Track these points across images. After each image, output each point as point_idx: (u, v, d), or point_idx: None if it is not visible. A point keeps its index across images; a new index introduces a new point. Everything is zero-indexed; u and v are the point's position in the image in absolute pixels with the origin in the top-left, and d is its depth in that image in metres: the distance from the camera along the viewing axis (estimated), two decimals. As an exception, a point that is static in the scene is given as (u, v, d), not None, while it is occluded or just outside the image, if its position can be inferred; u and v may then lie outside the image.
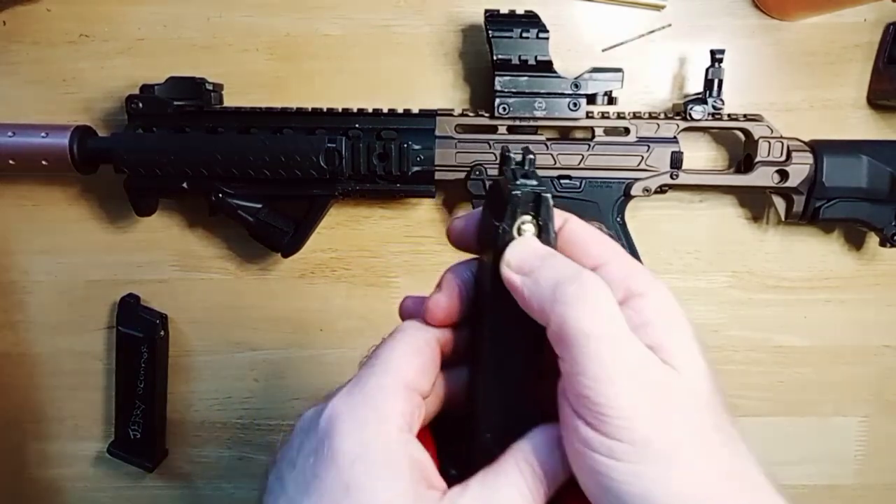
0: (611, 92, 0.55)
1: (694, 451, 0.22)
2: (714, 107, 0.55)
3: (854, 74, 0.60)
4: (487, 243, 0.27)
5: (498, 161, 0.28)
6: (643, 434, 0.22)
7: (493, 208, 0.27)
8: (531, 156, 0.27)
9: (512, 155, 0.27)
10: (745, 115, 0.56)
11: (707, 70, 0.55)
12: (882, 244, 0.57)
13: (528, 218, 0.25)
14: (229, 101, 0.59)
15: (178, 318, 0.64)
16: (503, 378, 0.27)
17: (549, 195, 0.25)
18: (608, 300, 0.24)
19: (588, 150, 0.55)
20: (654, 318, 0.24)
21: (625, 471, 0.22)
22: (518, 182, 0.25)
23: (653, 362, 0.23)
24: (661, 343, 0.24)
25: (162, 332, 0.62)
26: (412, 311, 0.30)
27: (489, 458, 0.26)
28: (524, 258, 0.25)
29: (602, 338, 0.23)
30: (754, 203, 0.62)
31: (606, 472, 0.22)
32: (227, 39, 0.59)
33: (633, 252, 0.57)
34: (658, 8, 0.58)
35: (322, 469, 0.23)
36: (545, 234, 0.26)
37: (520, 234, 0.25)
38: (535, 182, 0.25)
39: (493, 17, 0.53)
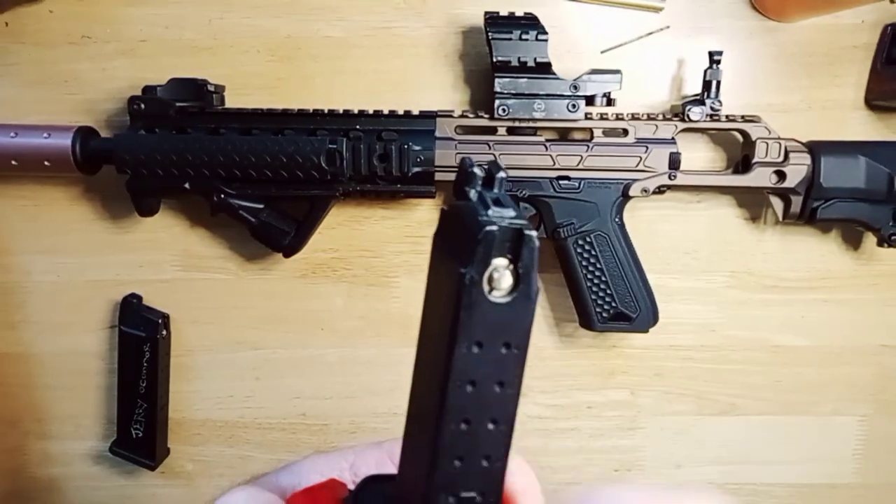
0: (609, 93, 0.55)
1: None
2: (712, 108, 0.55)
3: (852, 75, 0.60)
4: (444, 294, 0.20)
5: (456, 177, 0.22)
6: None
7: (450, 246, 0.21)
8: (501, 173, 0.21)
9: (475, 171, 0.20)
10: (742, 117, 0.56)
11: (705, 71, 0.55)
12: (879, 244, 0.57)
13: (503, 262, 0.19)
14: (231, 102, 0.59)
15: (179, 318, 0.64)
16: None
17: (533, 232, 0.19)
18: None
19: (587, 151, 0.55)
20: None
21: None
22: (490, 213, 0.19)
23: None
24: None
25: (164, 332, 0.62)
26: None
27: None
28: None
29: None
30: (752, 203, 0.62)
31: None
32: (229, 41, 0.59)
33: (632, 253, 0.57)
34: (656, 10, 0.58)
35: None
36: (525, 284, 0.19)
37: (491, 283, 0.19)
38: (511, 212, 0.19)
39: (492, 18, 0.54)
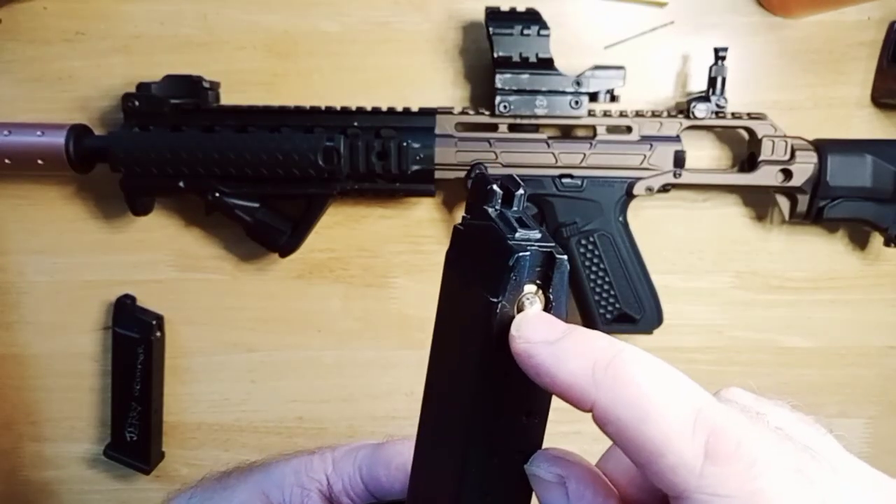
0: (613, 90, 0.54)
1: None
2: (717, 105, 0.54)
3: (858, 73, 0.59)
4: (466, 320, 0.20)
5: (469, 192, 0.20)
6: None
7: (470, 269, 0.20)
8: (521, 190, 0.19)
9: (495, 188, 0.19)
10: (748, 114, 0.56)
11: (710, 68, 0.54)
12: (886, 244, 0.57)
13: (532, 289, 0.18)
14: (226, 99, 0.58)
15: (174, 319, 0.63)
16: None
17: (564, 256, 0.18)
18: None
19: (590, 148, 0.55)
20: None
21: None
22: (518, 236, 0.18)
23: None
24: None
25: (158, 333, 0.61)
26: None
27: None
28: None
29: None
30: (758, 203, 0.61)
31: None
32: (224, 37, 0.59)
33: (636, 253, 0.56)
34: (661, 5, 0.58)
35: None
36: (556, 310, 0.19)
37: (520, 310, 0.19)
38: (537, 234, 0.18)
39: (493, 13, 0.53)
